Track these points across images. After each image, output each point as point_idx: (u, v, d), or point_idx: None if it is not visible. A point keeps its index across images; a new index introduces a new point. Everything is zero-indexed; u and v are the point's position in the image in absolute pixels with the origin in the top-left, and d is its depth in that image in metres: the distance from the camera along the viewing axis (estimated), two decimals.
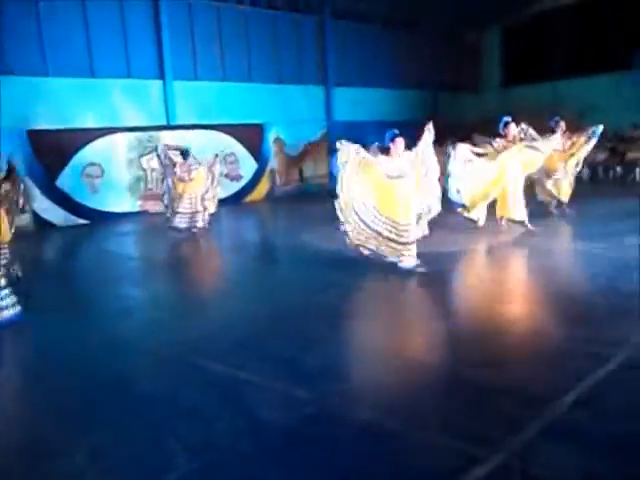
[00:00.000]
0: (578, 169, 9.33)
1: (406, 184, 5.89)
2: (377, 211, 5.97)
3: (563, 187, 9.09)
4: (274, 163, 15.62)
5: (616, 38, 16.98)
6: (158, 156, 10.01)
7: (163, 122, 13.56)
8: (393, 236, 5.89)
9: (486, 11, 17.94)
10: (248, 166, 14.86)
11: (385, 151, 6.00)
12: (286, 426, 2.92)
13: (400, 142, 5.90)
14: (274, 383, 3.40)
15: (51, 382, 3.68)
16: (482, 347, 3.91)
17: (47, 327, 4.87)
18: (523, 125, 8.17)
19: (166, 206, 9.84)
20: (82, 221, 12.02)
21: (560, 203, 9.15)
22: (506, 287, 5.60)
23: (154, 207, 13.32)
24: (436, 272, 5.86)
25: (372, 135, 16.16)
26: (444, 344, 4.04)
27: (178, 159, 9.80)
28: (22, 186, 7.07)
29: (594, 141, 9.07)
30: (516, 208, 7.84)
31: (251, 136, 14.95)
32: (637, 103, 15.61)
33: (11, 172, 6.55)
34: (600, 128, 8.99)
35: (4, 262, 5.35)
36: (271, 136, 15.51)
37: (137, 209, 13.16)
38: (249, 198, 14.84)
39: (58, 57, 11.90)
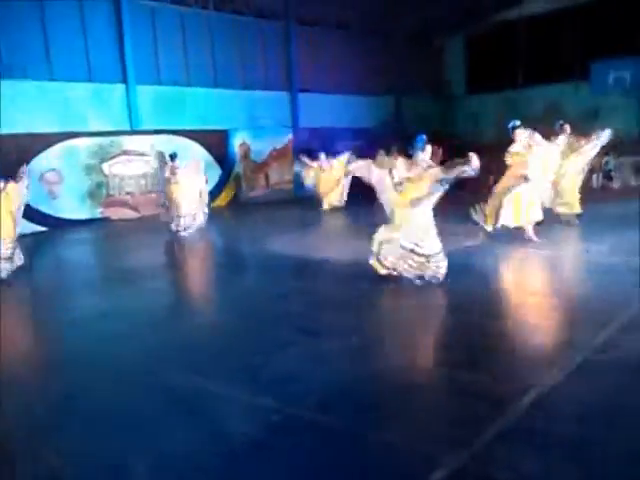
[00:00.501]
0: (581, 176, 8.96)
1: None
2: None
3: (566, 193, 8.76)
4: (239, 169, 15.52)
5: (575, 49, 17.58)
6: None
7: (126, 127, 13.30)
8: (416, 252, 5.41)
9: (450, 19, 18.29)
10: (213, 172, 14.70)
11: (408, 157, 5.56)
12: (251, 436, 2.87)
13: (429, 149, 5.46)
14: (239, 393, 3.35)
15: (6, 399, 3.52)
16: (444, 350, 3.95)
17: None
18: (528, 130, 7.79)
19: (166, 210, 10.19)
20: (40, 228, 11.65)
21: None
22: (474, 290, 5.62)
23: (116, 213, 13.06)
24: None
25: (337, 141, 16.34)
26: (407, 347, 4.05)
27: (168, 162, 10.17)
28: None
29: (599, 146, 8.85)
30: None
31: (216, 142, 14.82)
32: (594, 110, 16.20)
33: None
34: (607, 132, 8.80)
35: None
36: (236, 142, 15.41)
37: (98, 216, 12.85)
38: (214, 204, 14.65)
39: (14, 59, 11.53)
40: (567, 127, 8.72)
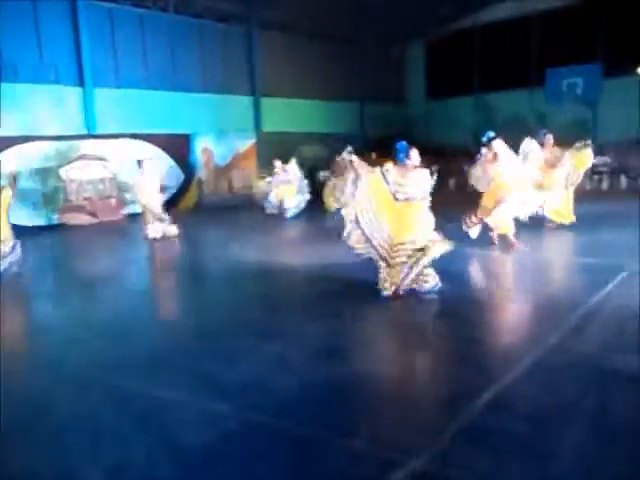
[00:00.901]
0: (573, 186, 8.81)
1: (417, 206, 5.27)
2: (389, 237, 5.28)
3: (554, 204, 8.66)
4: (202, 173, 15.35)
5: (530, 56, 18.16)
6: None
7: (83, 131, 12.98)
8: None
9: (410, 26, 18.60)
10: (175, 176, 14.50)
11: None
12: (206, 443, 2.81)
13: (415, 153, 5.33)
14: (194, 399, 3.28)
15: None
16: (404, 355, 3.97)
17: None
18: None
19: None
20: None
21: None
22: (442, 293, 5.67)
23: (74, 219, 12.71)
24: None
25: (301, 146, 16.34)
26: (368, 353, 4.05)
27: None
28: None
29: (588, 155, 8.77)
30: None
31: (178, 146, 14.63)
32: (549, 115, 16.74)
33: None
34: (589, 143, 8.80)
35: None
36: (199, 146, 15.25)
37: (55, 222, 12.48)
38: (176, 208, 14.44)
39: None
40: (550, 137, 8.61)
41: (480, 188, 7.64)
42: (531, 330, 4.36)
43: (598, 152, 15.39)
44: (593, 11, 16.83)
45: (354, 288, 5.72)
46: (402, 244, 5.18)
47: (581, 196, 9.36)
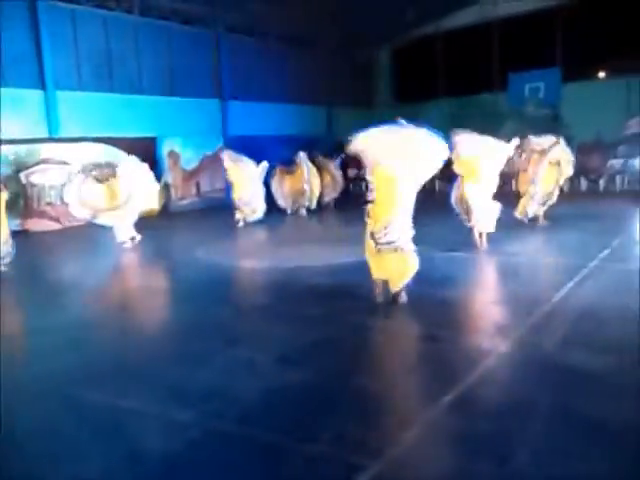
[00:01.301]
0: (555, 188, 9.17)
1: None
2: None
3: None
4: (169, 177, 15.13)
5: (493, 61, 18.57)
6: None
7: (44, 135, 12.65)
8: None
9: (376, 32, 18.76)
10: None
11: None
12: (168, 453, 2.77)
13: None
14: (156, 408, 3.23)
15: None
16: (364, 357, 3.98)
17: None
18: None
19: None
20: None
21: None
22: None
23: (36, 225, 12.36)
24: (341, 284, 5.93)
25: (269, 149, 16.34)
26: (330, 357, 4.03)
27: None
28: None
29: (559, 153, 8.99)
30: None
31: (143, 149, 14.35)
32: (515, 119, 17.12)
33: None
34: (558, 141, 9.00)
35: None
36: (165, 149, 15.04)
37: (16, 228, 12.09)
38: (143, 214, 14.19)
39: None
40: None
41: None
42: (494, 329, 4.44)
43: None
44: (550, 19, 17.35)
45: (321, 291, 5.73)
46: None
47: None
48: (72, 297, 6.45)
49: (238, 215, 11.72)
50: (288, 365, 3.83)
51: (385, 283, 5.09)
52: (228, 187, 15.00)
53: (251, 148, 15.52)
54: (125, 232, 9.56)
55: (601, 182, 15.14)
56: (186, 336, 4.65)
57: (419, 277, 5.08)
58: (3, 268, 7.65)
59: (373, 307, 5.04)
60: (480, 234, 7.47)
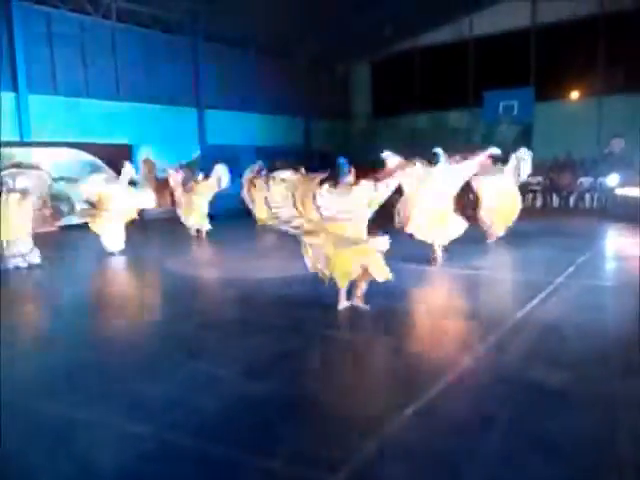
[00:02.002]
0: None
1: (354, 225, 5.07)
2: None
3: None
4: (143, 185, 14.94)
5: (469, 79, 18.93)
6: None
7: (16, 138, 12.43)
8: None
9: (354, 46, 18.99)
10: None
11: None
12: (120, 466, 2.70)
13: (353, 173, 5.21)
14: (111, 420, 3.15)
15: None
16: (326, 370, 3.96)
17: None
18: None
19: None
20: None
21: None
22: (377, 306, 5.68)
23: None
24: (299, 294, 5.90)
25: (246, 159, 16.30)
26: (292, 370, 3.98)
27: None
28: None
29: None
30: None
31: (118, 156, 14.19)
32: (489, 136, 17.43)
33: None
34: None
35: None
36: (140, 157, 14.87)
37: None
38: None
39: None
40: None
41: None
42: (458, 343, 4.46)
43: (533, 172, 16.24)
44: (524, 39, 17.82)
45: (286, 302, 5.70)
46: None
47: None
48: (29, 307, 6.29)
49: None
50: (250, 378, 3.78)
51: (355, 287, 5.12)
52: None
53: (228, 157, 15.53)
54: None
55: (571, 199, 15.47)
56: (147, 346, 4.57)
57: (383, 289, 5.09)
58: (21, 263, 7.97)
59: (337, 319, 5.03)
60: (437, 248, 7.47)
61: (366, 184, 5.04)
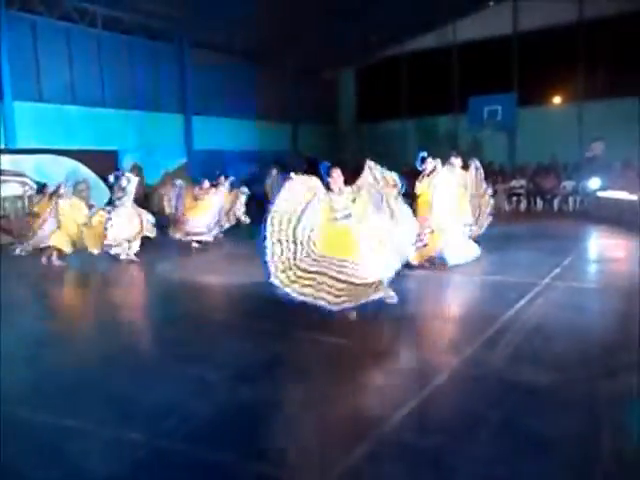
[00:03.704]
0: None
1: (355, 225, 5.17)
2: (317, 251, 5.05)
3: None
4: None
5: (454, 84, 19.17)
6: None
7: (0, 145, 12.33)
8: (344, 277, 4.90)
9: (340, 52, 19.13)
10: (100, 194, 13.98)
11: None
12: (113, 473, 2.71)
13: (338, 175, 5.23)
14: (104, 428, 3.16)
15: None
16: (316, 374, 4.00)
17: None
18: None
19: None
20: None
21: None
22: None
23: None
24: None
25: (232, 164, 16.32)
26: (283, 375, 4.02)
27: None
28: None
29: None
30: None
31: (104, 163, 14.14)
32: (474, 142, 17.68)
33: None
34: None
35: None
36: (127, 163, 14.83)
37: None
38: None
39: None
40: (455, 161, 8.47)
41: None
42: (445, 346, 4.53)
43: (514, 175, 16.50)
44: (506, 46, 18.12)
45: (277, 307, 5.73)
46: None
47: (501, 217, 9.86)
48: (26, 313, 6.26)
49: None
50: (240, 382, 3.81)
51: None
52: None
53: (216, 163, 15.55)
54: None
55: (555, 202, 15.70)
56: (139, 352, 4.58)
57: None
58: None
59: (328, 323, 5.08)
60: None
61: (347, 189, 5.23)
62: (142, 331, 5.29)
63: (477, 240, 8.34)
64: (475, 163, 8.92)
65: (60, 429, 3.19)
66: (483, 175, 9.00)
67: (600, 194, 12.94)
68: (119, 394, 3.66)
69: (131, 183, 9.21)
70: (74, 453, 2.93)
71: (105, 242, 8.76)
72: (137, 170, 15.09)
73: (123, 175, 9.39)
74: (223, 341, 4.80)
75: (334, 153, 17.58)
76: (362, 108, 21.63)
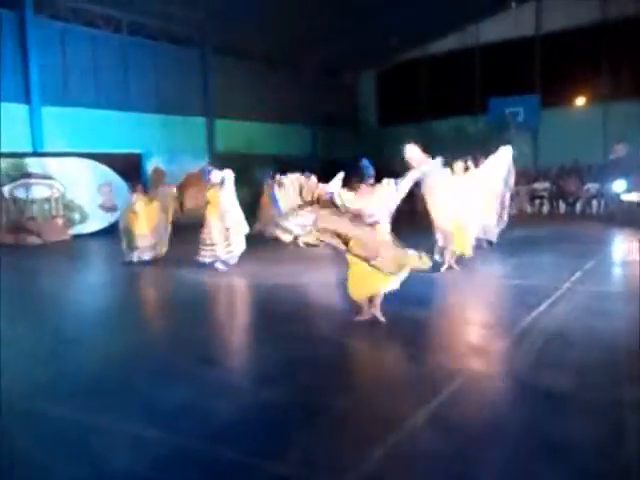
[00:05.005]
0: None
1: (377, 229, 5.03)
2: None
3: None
4: (153, 193, 15.13)
5: (475, 86, 19.04)
6: None
7: (29, 149, 12.67)
8: None
9: (361, 56, 19.17)
10: (124, 196, 14.22)
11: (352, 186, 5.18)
12: (134, 471, 2.77)
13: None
14: (124, 425, 3.23)
15: None
16: (338, 376, 4.04)
17: None
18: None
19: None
20: None
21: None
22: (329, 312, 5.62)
23: (17, 240, 12.28)
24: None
25: (254, 167, 16.44)
26: (303, 375, 4.06)
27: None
28: None
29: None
30: None
31: (128, 165, 14.43)
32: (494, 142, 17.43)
33: None
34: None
35: None
36: (150, 166, 15.07)
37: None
38: None
39: None
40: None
41: None
42: (468, 349, 4.53)
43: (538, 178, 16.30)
44: (529, 47, 17.95)
45: (299, 309, 5.79)
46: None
47: (523, 219, 9.77)
48: (51, 311, 6.42)
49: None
50: (263, 383, 3.87)
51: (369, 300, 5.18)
52: None
53: (237, 165, 15.66)
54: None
55: (578, 205, 15.50)
56: (160, 352, 4.66)
57: (394, 297, 5.18)
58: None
59: (350, 326, 5.12)
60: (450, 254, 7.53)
61: (387, 182, 5.11)
62: (166, 331, 5.37)
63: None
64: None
65: (82, 426, 3.26)
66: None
67: (624, 197, 12.74)
68: (141, 393, 3.72)
69: (227, 179, 8.51)
70: (94, 449, 2.99)
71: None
72: (159, 173, 15.34)
73: (211, 171, 8.73)
74: (247, 342, 4.86)
75: (354, 156, 17.59)
76: (383, 111, 21.63)
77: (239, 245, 8.38)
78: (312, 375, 4.05)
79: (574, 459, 2.77)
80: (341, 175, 7.88)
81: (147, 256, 9.14)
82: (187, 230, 8.99)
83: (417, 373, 4.03)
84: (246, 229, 8.61)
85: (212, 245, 8.20)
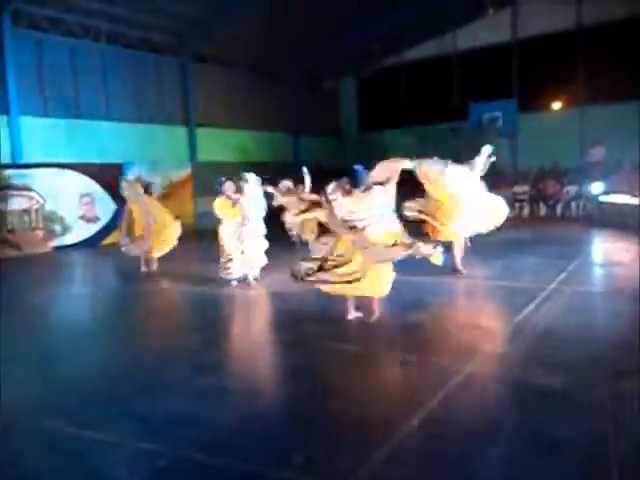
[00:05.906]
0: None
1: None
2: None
3: None
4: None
5: (454, 92, 19.30)
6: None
7: (7, 160, 12.46)
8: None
9: (341, 62, 19.30)
10: (106, 207, 14.09)
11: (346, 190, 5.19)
12: None
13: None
14: (123, 438, 3.19)
15: None
16: (335, 381, 4.05)
17: None
18: None
19: None
20: None
21: None
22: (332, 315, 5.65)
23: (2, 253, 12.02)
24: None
25: (236, 174, 16.33)
26: (299, 381, 4.07)
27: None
28: None
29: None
30: None
31: (109, 176, 14.25)
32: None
33: None
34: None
35: None
36: (131, 176, 14.93)
37: None
38: (107, 241, 13.97)
39: None
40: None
41: None
42: (459, 350, 4.57)
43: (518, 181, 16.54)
44: (506, 53, 18.27)
45: (293, 315, 5.79)
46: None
47: (505, 223, 9.82)
48: (38, 325, 6.31)
49: None
50: (259, 391, 3.86)
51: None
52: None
53: (218, 174, 15.61)
54: None
55: (558, 208, 15.76)
56: (155, 362, 4.62)
57: (384, 300, 5.21)
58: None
59: (345, 330, 5.14)
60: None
61: (378, 188, 5.16)
62: (159, 342, 5.32)
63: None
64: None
65: (80, 440, 3.21)
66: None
67: (603, 199, 13.00)
68: (138, 405, 3.69)
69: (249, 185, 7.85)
70: (94, 463, 2.96)
71: None
72: (142, 183, 15.21)
73: (224, 182, 7.89)
74: (239, 349, 4.84)
75: (337, 162, 17.67)
76: (363, 117, 21.78)
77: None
78: (310, 381, 4.05)
79: (569, 455, 2.81)
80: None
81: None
82: None
83: (414, 375, 4.05)
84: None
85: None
